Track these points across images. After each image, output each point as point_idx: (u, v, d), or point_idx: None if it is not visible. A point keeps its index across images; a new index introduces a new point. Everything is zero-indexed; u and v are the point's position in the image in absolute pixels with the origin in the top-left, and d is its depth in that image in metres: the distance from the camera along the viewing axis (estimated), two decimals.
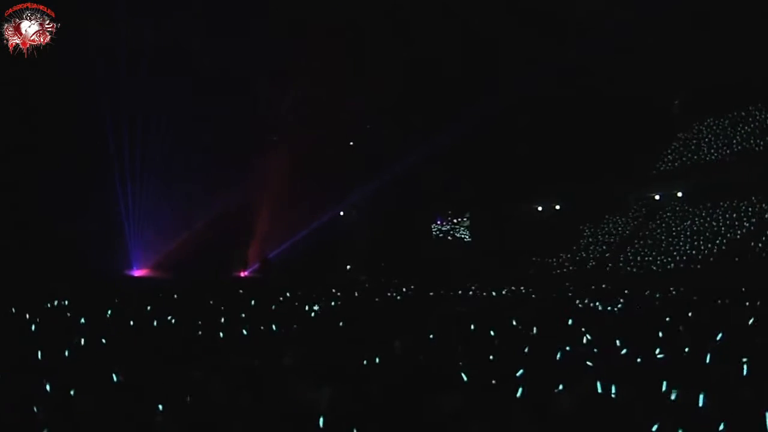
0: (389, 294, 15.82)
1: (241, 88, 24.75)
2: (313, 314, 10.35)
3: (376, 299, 14.11)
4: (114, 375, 4.89)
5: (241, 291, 15.53)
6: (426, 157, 29.58)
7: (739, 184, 28.54)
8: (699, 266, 24.44)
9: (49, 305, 10.47)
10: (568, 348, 6.83)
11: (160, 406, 4.04)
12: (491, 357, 6.47)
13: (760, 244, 23.60)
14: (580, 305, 13.63)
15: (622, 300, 13.97)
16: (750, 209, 27.02)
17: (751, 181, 27.91)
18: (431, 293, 17.14)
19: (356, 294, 15.83)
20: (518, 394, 4.85)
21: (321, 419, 4.16)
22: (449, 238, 37.23)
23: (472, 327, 8.63)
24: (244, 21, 23.98)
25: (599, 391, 5.10)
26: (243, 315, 9.65)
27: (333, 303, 12.84)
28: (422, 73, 29.32)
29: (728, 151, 31.38)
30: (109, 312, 9.61)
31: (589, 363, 6.12)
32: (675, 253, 26.49)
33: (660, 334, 7.93)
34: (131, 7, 20.69)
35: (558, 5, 28.14)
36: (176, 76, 21.99)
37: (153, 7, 21.26)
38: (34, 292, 12.49)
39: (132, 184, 23.13)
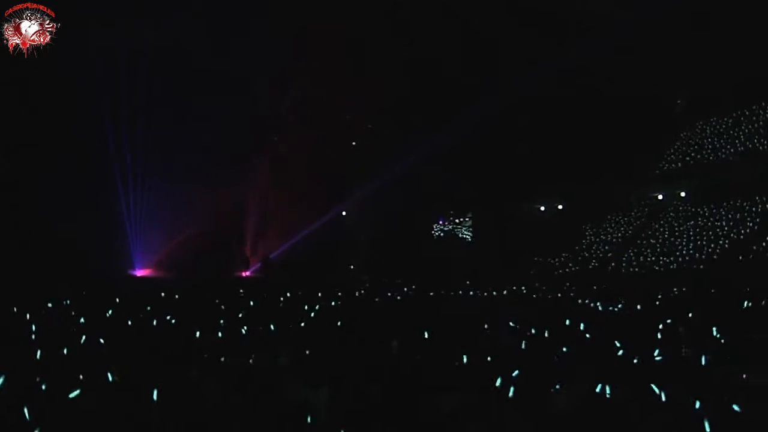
0: (389, 294, 15.80)
1: (241, 88, 24.77)
2: (312, 314, 10.34)
3: (376, 299, 14.10)
4: (109, 374, 4.89)
5: (241, 291, 15.54)
6: (427, 157, 29.58)
7: (742, 184, 28.42)
8: (702, 266, 24.36)
9: (50, 305, 10.49)
10: (565, 349, 6.81)
11: (154, 405, 4.03)
12: (489, 357, 6.45)
13: (763, 244, 23.50)
14: (581, 305, 13.60)
15: (622, 300, 13.92)
16: (753, 209, 26.93)
17: (754, 180, 27.80)
18: (432, 293, 17.12)
19: (356, 294, 15.82)
20: (512, 394, 4.83)
21: (309, 417, 4.15)
22: (450, 238, 37.21)
23: (471, 327, 8.62)
24: (244, 21, 24.01)
25: (595, 391, 5.09)
26: (241, 315, 9.65)
27: (333, 303, 12.84)
28: (422, 73, 29.31)
29: (731, 151, 31.27)
30: (109, 312, 9.63)
31: (586, 363, 6.10)
32: (677, 254, 26.41)
33: (659, 335, 7.89)
34: (131, 7, 20.74)
35: (558, 5, 28.07)
36: (176, 76, 22.04)
37: (153, 7, 21.30)
38: (35, 292, 12.51)
39: (133, 184, 23.19)
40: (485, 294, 17.54)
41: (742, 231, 25.67)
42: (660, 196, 33.28)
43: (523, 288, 20.08)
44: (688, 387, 5.34)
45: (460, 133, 29.15)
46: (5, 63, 13.50)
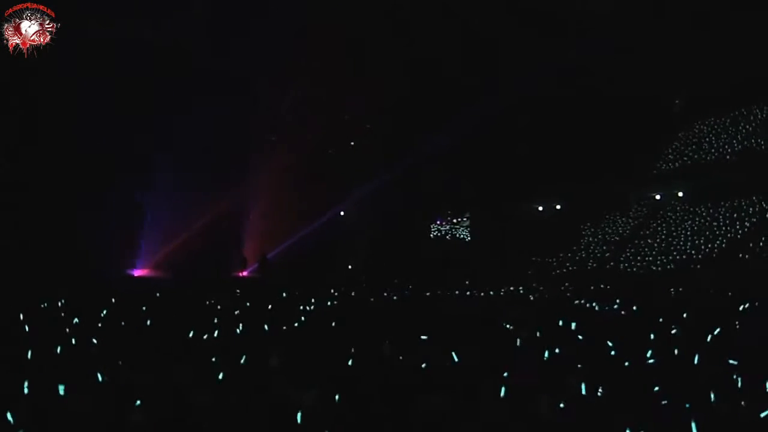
0: (386, 294, 15.81)
1: (239, 88, 24.79)
2: (306, 314, 10.37)
3: (371, 299, 14.11)
4: (99, 375, 4.91)
5: (238, 291, 15.56)
6: (425, 157, 29.61)
7: (739, 184, 28.45)
8: (699, 266, 24.37)
9: (45, 305, 10.52)
10: (557, 350, 6.83)
11: (141, 405, 4.05)
12: (481, 358, 6.47)
13: (760, 244, 23.51)
14: (577, 305, 13.61)
15: (618, 301, 13.94)
16: (751, 209, 26.94)
17: (751, 180, 27.83)
18: (428, 294, 17.13)
19: (353, 294, 15.83)
20: (502, 395, 4.85)
21: (299, 415, 4.17)
22: (448, 238, 37.23)
23: (465, 328, 8.64)
24: (244, 21, 24.02)
25: (582, 393, 5.11)
26: (236, 315, 9.68)
27: (329, 303, 12.86)
28: (421, 72, 29.32)
29: (729, 151, 31.29)
30: (104, 312, 9.65)
31: (576, 364, 6.13)
32: (675, 253, 26.42)
33: (652, 336, 7.91)
34: (128, 7, 20.75)
35: (557, 5, 28.08)
36: (176, 76, 22.05)
37: (153, 6, 21.30)
38: (31, 292, 12.53)
39: (132, 184, 23.20)
40: (482, 294, 17.54)
41: (740, 231, 25.69)
42: (658, 196, 33.29)
43: (520, 288, 20.08)
44: (679, 388, 5.37)
45: (459, 133, 29.20)
46: (5, 63, 13.53)
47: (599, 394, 5.16)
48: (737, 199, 28.21)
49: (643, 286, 20.65)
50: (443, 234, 37.43)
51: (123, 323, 8.57)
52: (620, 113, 31.35)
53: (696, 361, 6.41)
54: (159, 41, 21.78)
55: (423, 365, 5.98)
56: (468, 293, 17.86)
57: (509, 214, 35.46)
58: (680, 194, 32.22)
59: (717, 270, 22.61)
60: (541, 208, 37.44)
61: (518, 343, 7.44)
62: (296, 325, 8.55)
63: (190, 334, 7.53)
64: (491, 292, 17.99)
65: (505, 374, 5.49)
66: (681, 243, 27.18)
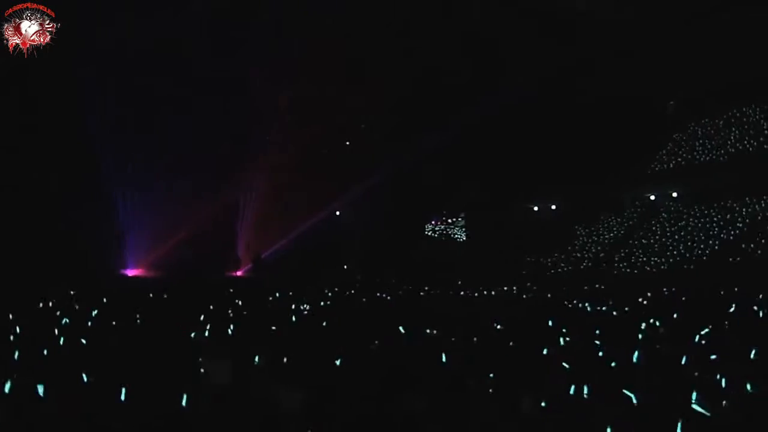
0: (379, 294, 15.83)
1: (234, 88, 24.77)
2: (298, 314, 10.37)
3: (364, 299, 14.13)
4: (84, 375, 4.91)
5: (230, 290, 15.55)
6: (421, 157, 29.63)
7: (733, 185, 28.61)
8: (692, 267, 24.49)
9: (40, 305, 10.50)
10: (545, 351, 6.86)
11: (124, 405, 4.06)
12: (467, 357, 6.50)
13: (752, 245, 23.65)
14: (568, 306, 13.65)
15: (610, 301, 14.00)
16: (744, 210, 27.09)
17: (744, 181, 27.99)
18: (422, 293, 17.17)
19: (346, 294, 15.85)
20: (485, 395, 4.88)
21: (282, 418, 4.18)
22: (444, 238, 37.28)
23: (457, 327, 8.66)
24: (239, 20, 23.97)
25: (569, 393, 5.14)
26: (227, 315, 9.68)
27: (322, 303, 12.86)
28: (418, 72, 29.31)
29: (723, 152, 31.45)
30: (95, 312, 9.64)
31: (563, 364, 6.16)
32: (668, 254, 26.54)
33: (639, 336, 7.96)
34: (126, 7, 20.69)
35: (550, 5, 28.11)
36: (171, 75, 22.00)
37: (149, 4, 21.24)
38: (24, 292, 12.50)
39: (126, 184, 23.17)
40: (476, 294, 17.59)
41: (732, 232, 25.83)
42: (652, 197, 33.44)
43: (514, 288, 20.13)
44: (665, 388, 5.40)
45: (455, 133, 29.23)
46: (4, 63, 13.52)
47: (584, 394, 5.19)
48: (729, 201, 28.37)
49: (636, 286, 20.73)
50: (438, 234, 37.48)
51: (113, 323, 8.55)
52: (613, 115, 31.46)
53: (683, 362, 6.45)
54: (153, 39, 21.72)
55: (410, 365, 6.00)
56: (462, 293, 17.91)
57: (504, 214, 35.53)
58: (674, 195, 32.39)
59: (709, 270, 22.75)
60: (536, 209, 37.54)
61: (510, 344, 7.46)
62: (287, 325, 8.55)
63: (180, 334, 7.53)
64: (485, 292, 18.04)
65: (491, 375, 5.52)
66: (674, 244, 27.31)
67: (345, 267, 30.56)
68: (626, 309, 12.39)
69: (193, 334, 7.43)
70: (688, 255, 25.69)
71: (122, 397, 4.28)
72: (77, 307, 10.36)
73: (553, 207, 36.91)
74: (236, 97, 25.50)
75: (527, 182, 33.84)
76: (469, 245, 36.22)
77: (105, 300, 11.49)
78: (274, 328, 8.16)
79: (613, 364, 6.29)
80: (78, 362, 5.47)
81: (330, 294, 15.64)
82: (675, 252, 26.52)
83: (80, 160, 21.41)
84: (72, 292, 13.25)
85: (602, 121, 31.56)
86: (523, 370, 5.86)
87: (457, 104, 29.51)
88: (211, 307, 11.09)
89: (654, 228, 30.30)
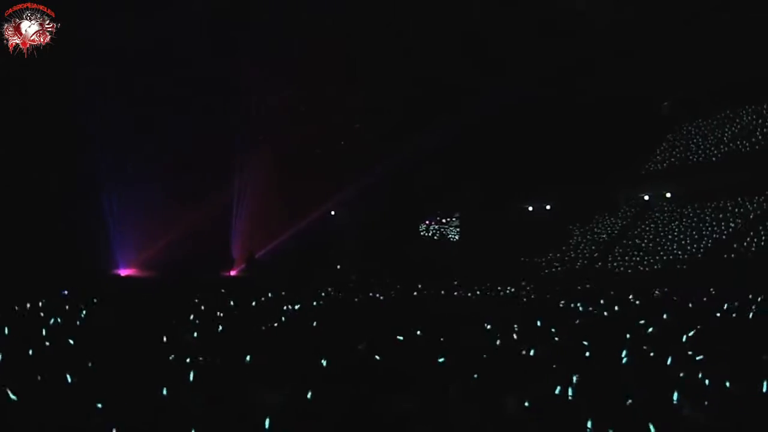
0: (371, 294, 15.81)
1: (228, 88, 24.73)
2: (288, 314, 10.35)
3: (356, 299, 14.12)
4: (68, 376, 4.90)
5: (223, 290, 15.51)
6: (416, 157, 29.66)
7: (726, 185, 28.76)
8: (685, 266, 24.58)
9: (28, 305, 10.44)
10: (532, 351, 6.87)
11: (99, 406, 4.04)
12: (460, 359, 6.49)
13: (744, 245, 23.75)
14: (561, 305, 13.66)
15: (602, 301, 14.02)
16: (737, 209, 27.21)
17: (737, 181, 28.13)
18: (415, 293, 17.16)
19: (339, 294, 15.82)
20: (467, 396, 4.88)
21: (267, 420, 4.18)
22: (438, 238, 37.31)
23: (447, 328, 8.66)
24: (237, 21, 23.94)
25: (554, 393, 5.15)
26: (218, 314, 9.65)
27: (314, 303, 12.83)
28: (414, 74, 29.32)
29: (716, 152, 31.58)
30: (84, 312, 9.60)
31: (549, 365, 6.17)
32: (662, 254, 26.63)
33: (627, 336, 7.98)
34: (127, 6, 20.65)
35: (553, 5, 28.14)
36: (164, 74, 21.95)
37: (149, 4, 21.18)
38: (12, 292, 12.43)
39: (118, 183, 23.08)
40: (469, 294, 17.58)
41: (725, 231, 25.94)
42: (646, 197, 33.57)
43: (508, 288, 20.14)
44: (647, 388, 5.42)
45: (450, 133, 29.26)
46: (4, 63, 13.49)
47: (569, 395, 5.20)
48: (723, 200, 28.50)
49: (629, 286, 20.78)
50: (433, 234, 37.51)
51: (103, 323, 8.52)
52: (608, 115, 31.57)
53: (669, 362, 6.47)
54: (152, 39, 21.67)
55: (396, 366, 6.00)
56: (456, 293, 17.90)
57: (498, 214, 35.60)
58: (668, 195, 32.53)
59: (703, 270, 22.84)
60: (530, 209, 37.62)
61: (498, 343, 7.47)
62: (275, 324, 8.53)
63: (168, 334, 7.50)
64: (478, 292, 18.04)
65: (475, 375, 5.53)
66: (668, 243, 27.40)
67: (338, 267, 30.55)
68: (616, 308, 12.41)
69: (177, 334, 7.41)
70: (681, 254, 25.79)
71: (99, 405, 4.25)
72: (66, 307, 10.31)
73: (548, 207, 37.01)
74: (232, 97, 25.46)
75: (522, 182, 33.92)
76: (463, 245, 36.27)
77: (95, 300, 11.44)
78: (265, 327, 8.15)
79: (599, 364, 6.30)
80: (64, 363, 5.44)
81: (323, 294, 15.60)
82: (669, 252, 26.62)
83: (77, 159, 21.35)
84: (66, 292, 13.19)
85: (597, 122, 31.70)
86: (508, 371, 5.87)
87: (452, 104, 29.54)
88: (202, 307, 11.07)
89: (648, 228, 30.41)
